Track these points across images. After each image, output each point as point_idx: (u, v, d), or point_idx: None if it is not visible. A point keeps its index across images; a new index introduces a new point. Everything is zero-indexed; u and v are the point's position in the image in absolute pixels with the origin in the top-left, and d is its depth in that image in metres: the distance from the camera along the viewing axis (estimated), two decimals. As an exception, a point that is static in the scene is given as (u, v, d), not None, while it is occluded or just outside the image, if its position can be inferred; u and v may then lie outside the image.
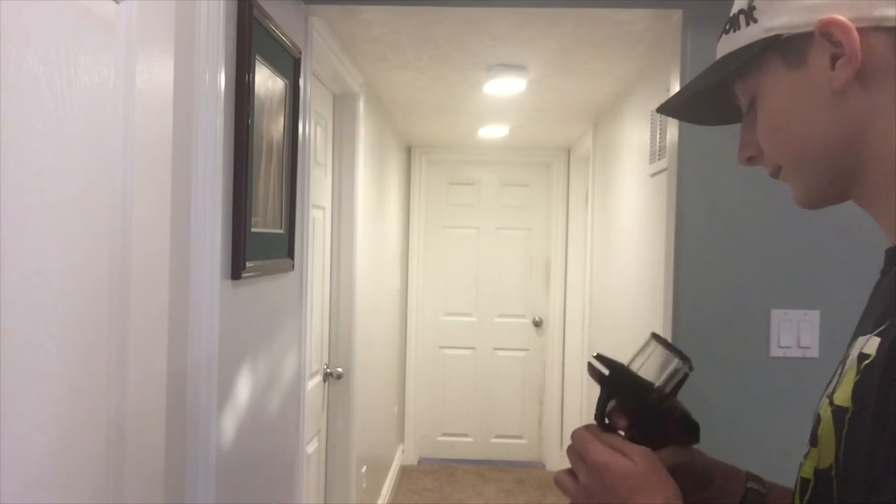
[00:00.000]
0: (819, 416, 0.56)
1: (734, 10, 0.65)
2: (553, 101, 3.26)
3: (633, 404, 0.72)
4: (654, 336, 0.76)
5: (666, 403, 0.73)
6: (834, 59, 0.57)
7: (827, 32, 0.56)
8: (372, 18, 2.13)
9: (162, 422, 1.08)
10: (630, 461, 0.66)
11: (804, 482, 0.57)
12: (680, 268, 1.95)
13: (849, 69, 0.56)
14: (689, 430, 0.74)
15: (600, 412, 0.73)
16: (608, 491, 0.65)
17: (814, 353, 1.89)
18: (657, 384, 0.71)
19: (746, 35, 0.62)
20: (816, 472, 0.55)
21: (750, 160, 0.69)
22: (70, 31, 0.80)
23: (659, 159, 2.29)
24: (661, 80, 2.30)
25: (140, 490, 0.99)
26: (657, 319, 2.17)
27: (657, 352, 0.74)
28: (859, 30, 0.55)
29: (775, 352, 1.91)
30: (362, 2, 2.01)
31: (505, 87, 2.88)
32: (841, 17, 0.56)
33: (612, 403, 0.73)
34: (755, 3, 0.61)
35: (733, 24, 0.64)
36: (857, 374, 0.52)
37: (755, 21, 0.61)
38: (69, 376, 0.82)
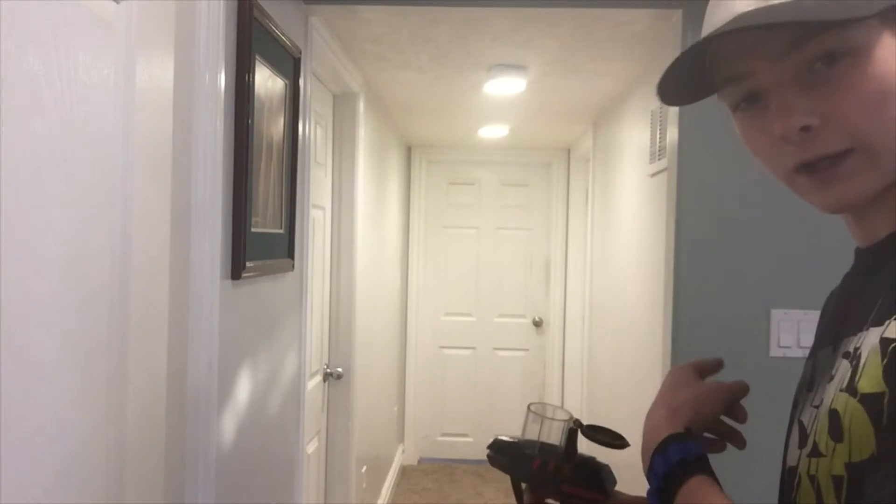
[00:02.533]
0: (836, 411, 0.54)
1: None
2: (553, 101, 3.26)
3: (533, 478, 0.73)
4: (530, 408, 0.77)
5: (560, 462, 0.74)
6: None
7: None
8: (372, 18, 2.13)
9: (162, 422, 1.08)
10: None
11: (837, 480, 0.54)
12: (680, 268, 1.95)
13: None
14: (596, 482, 0.75)
15: (518, 499, 0.75)
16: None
17: (814, 353, 1.89)
18: (540, 448, 0.74)
19: None
20: (849, 466, 0.52)
21: (803, 131, 0.57)
22: (70, 30, 0.80)
23: (659, 159, 2.29)
24: (661, 80, 2.30)
25: (140, 490, 0.99)
26: (657, 319, 2.17)
27: (536, 420, 0.76)
28: None
29: (775, 352, 1.91)
30: (362, 2, 2.01)
31: (505, 87, 2.88)
32: None
33: (524, 486, 0.75)
34: None
35: None
36: (885, 356, 0.50)
37: None
38: (69, 376, 0.82)
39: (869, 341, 0.54)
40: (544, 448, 0.73)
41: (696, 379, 0.76)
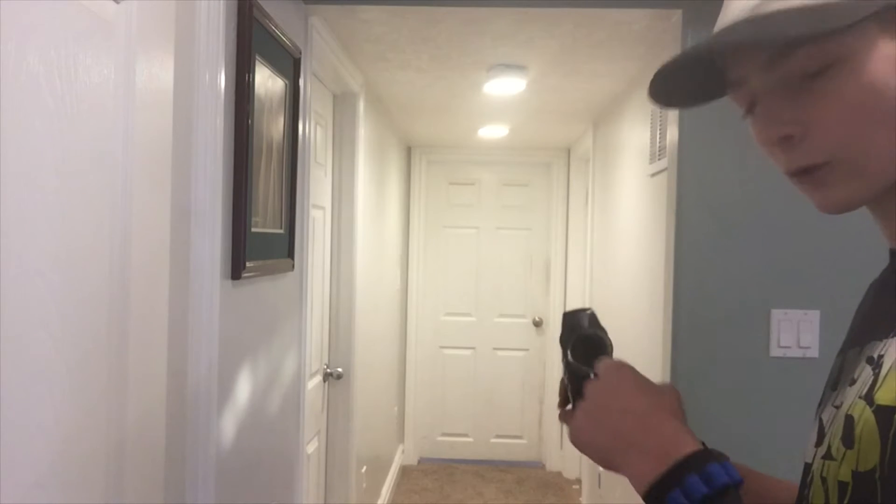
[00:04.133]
0: (852, 417, 0.54)
1: None
2: (553, 101, 3.26)
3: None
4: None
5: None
6: None
7: None
8: (372, 18, 2.13)
9: (162, 422, 1.08)
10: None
11: (842, 486, 0.54)
12: (680, 268, 1.95)
13: None
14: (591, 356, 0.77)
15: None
16: (612, 388, 0.67)
17: (814, 353, 1.89)
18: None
19: None
20: (856, 475, 0.52)
21: (784, 141, 0.57)
22: (70, 31, 0.80)
23: (659, 159, 2.29)
24: (661, 80, 2.30)
25: (140, 490, 0.99)
26: (657, 319, 2.17)
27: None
28: None
29: (775, 352, 1.91)
30: (362, 2, 2.01)
31: (505, 87, 2.88)
32: None
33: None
34: None
35: None
36: None
37: None
38: (69, 376, 0.82)
39: (893, 351, 0.53)
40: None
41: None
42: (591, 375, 0.72)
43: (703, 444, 0.61)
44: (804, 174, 0.57)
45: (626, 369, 0.69)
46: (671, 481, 0.57)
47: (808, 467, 0.62)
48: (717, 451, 0.59)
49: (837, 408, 0.58)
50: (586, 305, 0.81)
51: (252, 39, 1.48)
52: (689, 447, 0.59)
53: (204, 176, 1.30)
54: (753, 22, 0.55)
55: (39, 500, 0.78)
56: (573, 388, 0.75)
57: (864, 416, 0.52)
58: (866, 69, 0.53)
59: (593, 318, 0.79)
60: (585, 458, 3.87)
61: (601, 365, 0.70)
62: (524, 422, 4.95)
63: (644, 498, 0.59)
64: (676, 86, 0.64)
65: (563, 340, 0.79)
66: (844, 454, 0.54)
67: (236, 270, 1.46)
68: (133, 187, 0.94)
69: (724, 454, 0.59)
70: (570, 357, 0.77)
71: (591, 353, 0.76)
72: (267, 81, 1.64)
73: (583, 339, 0.77)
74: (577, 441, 0.69)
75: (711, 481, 0.56)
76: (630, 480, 0.62)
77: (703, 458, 0.58)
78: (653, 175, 2.39)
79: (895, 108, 0.53)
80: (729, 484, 0.56)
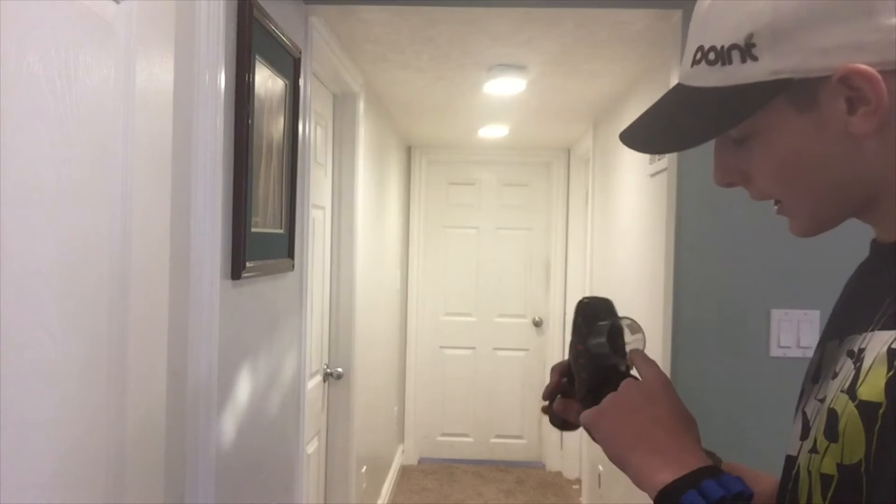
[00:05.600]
0: (835, 411, 0.55)
1: (719, 42, 0.59)
2: (553, 101, 3.26)
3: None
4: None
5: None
6: (850, 102, 0.55)
7: (846, 79, 0.54)
8: (372, 18, 2.13)
9: (162, 422, 1.08)
10: (638, 382, 0.70)
11: (825, 478, 0.55)
12: (680, 268, 1.95)
13: (874, 119, 0.54)
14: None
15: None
16: (642, 401, 0.68)
17: (814, 353, 1.89)
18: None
19: (744, 73, 0.57)
20: (841, 467, 0.53)
21: (729, 185, 0.66)
22: (70, 30, 0.80)
23: (659, 159, 2.29)
24: (661, 80, 2.30)
25: (140, 490, 0.99)
26: (657, 319, 2.17)
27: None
28: (881, 73, 0.53)
29: (775, 352, 1.91)
30: (362, 2, 2.01)
31: (505, 87, 2.88)
32: (864, 67, 0.53)
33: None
34: (755, 41, 0.56)
35: (722, 57, 0.58)
36: (891, 369, 0.50)
37: (754, 59, 0.57)
38: (69, 376, 0.82)
39: (874, 346, 0.54)
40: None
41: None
42: (624, 369, 0.73)
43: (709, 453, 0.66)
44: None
45: (671, 387, 0.70)
46: (687, 482, 0.60)
47: (791, 460, 0.63)
48: (719, 468, 0.63)
49: (821, 401, 0.59)
50: (601, 295, 0.79)
51: (252, 39, 1.48)
52: (709, 465, 0.63)
53: (204, 176, 1.30)
54: (678, 110, 0.64)
55: (39, 500, 0.78)
56: (598, 375, 0.74)
57: (848, 411, 0.53)
58: (777, 141, 0.59)
59: (613, 307, 0.78)
60: (585, 459, 3.88)
61: (650, 371, 0.71)
62: (524, 422, 4.95)
63: (657, 497, 0.62)
64: (647, 137, 0.71)
65: (581, 328, 0.77)
66: (828, 447, 0.55)
67: (236, 270, 1.46)
68: (133, 187, 0.94)
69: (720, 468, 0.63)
70: (599, 345, 0.74)
71: (621, 343, 0.75)
72: (267, 81, 1.64)
73: (615, 328, 0.75)
74: (595, 427, 0.70)
75: (728, 486, 0.60)
76: (640, 480, 0.64)
77: (720, 471, 0.62)
78: (653, 175, 2.39)
79: (806, 170, 0.59)
80: (744, 492, 0.60)
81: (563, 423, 0.83)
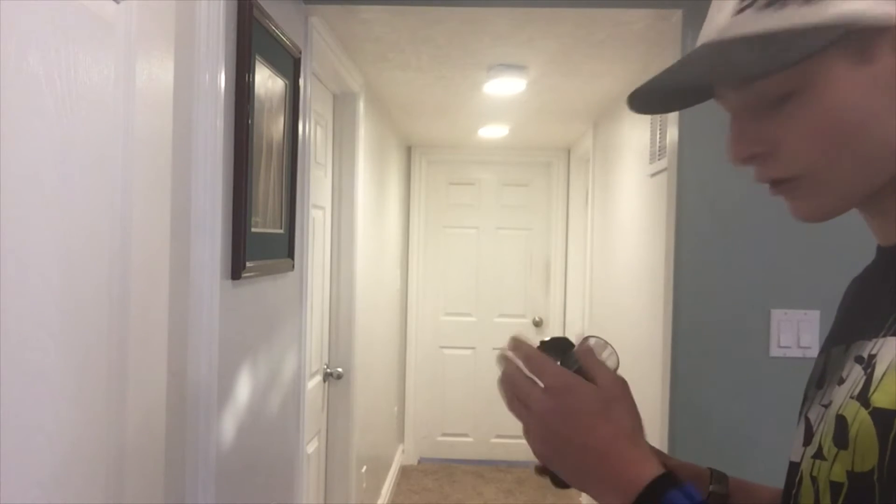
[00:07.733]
0: (844, 417, 0.54)
1: None
2: (553, 101, 3.26)
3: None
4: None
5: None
6: None
7: None
8: (372, 18, 2.13)
9: (162, 422, 1.08)
10: (593, 385, 0.63)
11: (835, 486, 0.54)
12: (680, 268, 1.95)
13: None
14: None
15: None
16: (568, 414, 0.62)
17: (814, 353, 1.89)
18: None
19: (802, 15, 0.52)
20: (851, 475, 0.52)
21: (750, 159, 0.60)
22: (70, 31, 0.80)
23: (659, 159, 2.29)
24: (661, 80, 2.30)
25: (140, 490, 0.99)
26: (657, 319, 2.17)
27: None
28: None
29: (775, 352, 1.91)
30: (362, 2, 2.01)
31: (505, 87, 2.88)
32: None
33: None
34: None
35: (778, 0, 0.54)
36: None
37: (810, 0, 0.52)
38: (69, 376, 0.82)
39: (887, 352, 0.53)
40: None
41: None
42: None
43: (666, 466, 0.61)
44: (774, 184, 0.60)
45: (577, 391, 0.63)
46: None
47: (795, 466, 0.62)
48: (677, 478, 0.59)
49: (826, 407, 0.58)
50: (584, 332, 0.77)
51: (252, 39, 1.48)
52: (652, 472, 0.59)
53: (204, 176, 1.30)
54: (712, 57, 0.57)
55: (39, 499, 0.78)
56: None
57: (860, 418, 0.52)
58: (828, 96, 0.54)
59: (570, 341, 0.75)
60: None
61: (551, 380, 0.64)
62: (524, 422, 4.95)
63: None
64: (657, 96, 0.65)
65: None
66: (837, 454, 0.54)
67: (236, 270, 1.46)
68: (133, 187, 0.94)
69: (681, 480, 0.59)
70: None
71: (559, 349, 0.72)
72: (267, 81, 1.64)
73: (553, 340, 0.73)
74: (538, 457, 0.66)
75: None
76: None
77: (664, 486, 0.58)
78: (653, 175, 2.39)
79: (856, 131, 0.54)
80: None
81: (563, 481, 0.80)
